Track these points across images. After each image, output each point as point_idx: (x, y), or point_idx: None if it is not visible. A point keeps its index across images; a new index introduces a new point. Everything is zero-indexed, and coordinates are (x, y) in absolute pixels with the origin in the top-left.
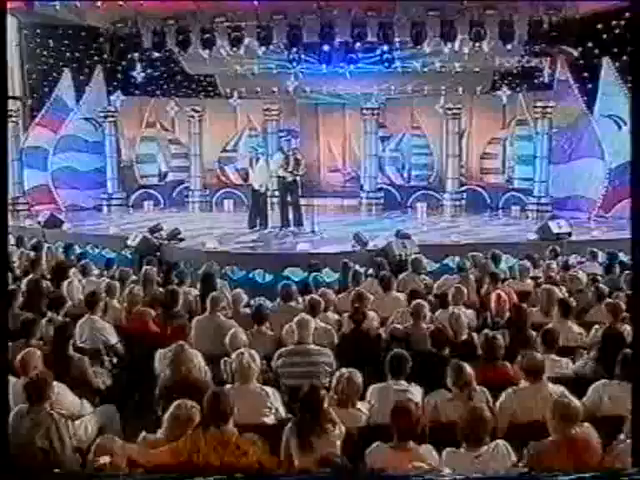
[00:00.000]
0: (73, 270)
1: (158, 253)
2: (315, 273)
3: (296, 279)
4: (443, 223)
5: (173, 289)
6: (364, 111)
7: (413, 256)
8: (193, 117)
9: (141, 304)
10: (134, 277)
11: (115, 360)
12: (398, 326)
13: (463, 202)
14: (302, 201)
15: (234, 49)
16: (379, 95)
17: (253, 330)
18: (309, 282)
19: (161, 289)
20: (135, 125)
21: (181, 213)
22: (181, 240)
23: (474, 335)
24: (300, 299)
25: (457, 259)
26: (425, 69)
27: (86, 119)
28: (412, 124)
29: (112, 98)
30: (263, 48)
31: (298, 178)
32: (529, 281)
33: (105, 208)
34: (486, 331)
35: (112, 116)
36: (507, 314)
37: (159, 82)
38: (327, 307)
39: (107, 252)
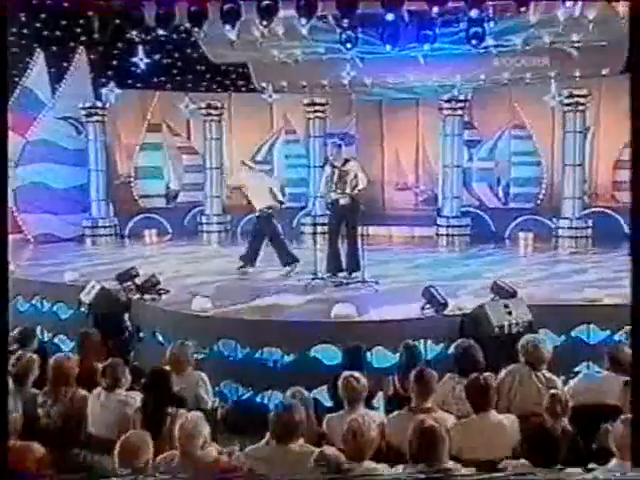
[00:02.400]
0: None
1: (127, 314)
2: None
3: (328, 362)
4: (563, 266)
5: None
6: (444, 107)
7: (522, 329)
8: (209, 116)
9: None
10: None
11: None
12: None
13: (589, 232)
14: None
15: (265, 23)
16: (464, 85)
17: None
18: (345, 372)
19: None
20: (134, 128)
21: (194, 246)
22: (160, 293)
23: None
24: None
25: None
26: (529, 46)
27: (64, 119)
28: (511, 122)
29: (104, 92)
30: (306, 25)
31: (354, 200)
32: None
33: (89, 240)
34: None
35: (99, 114)
36: None
37: (168, 71)
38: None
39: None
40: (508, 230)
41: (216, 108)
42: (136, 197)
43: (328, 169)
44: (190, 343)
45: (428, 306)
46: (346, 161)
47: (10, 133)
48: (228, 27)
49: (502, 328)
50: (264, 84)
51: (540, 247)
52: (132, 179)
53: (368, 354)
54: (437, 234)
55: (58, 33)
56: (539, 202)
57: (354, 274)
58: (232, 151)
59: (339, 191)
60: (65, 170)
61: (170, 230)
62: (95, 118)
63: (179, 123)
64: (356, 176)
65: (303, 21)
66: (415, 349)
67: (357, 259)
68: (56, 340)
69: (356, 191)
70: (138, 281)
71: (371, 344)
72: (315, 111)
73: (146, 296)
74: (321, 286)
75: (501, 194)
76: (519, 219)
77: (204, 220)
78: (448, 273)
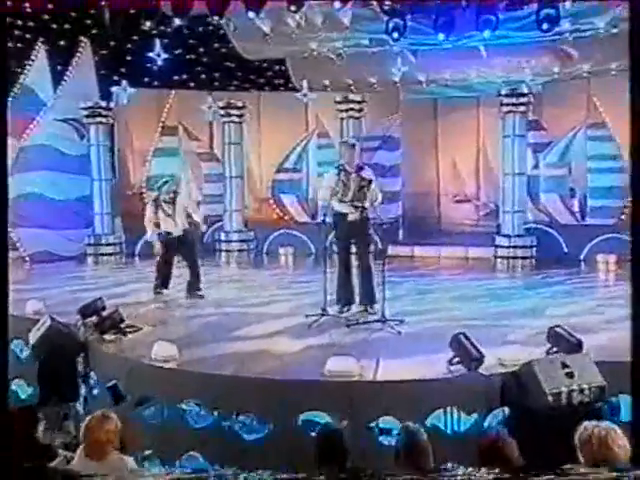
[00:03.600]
0: None
1: (80, 357)
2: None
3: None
4: None
5: None
6: (503, 103)
7: (589, 399)
8: (228, 117)
9: None
10: None
11: None
12: None
13: None
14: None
15: (294, 8)
16: (535, 80)
17: None
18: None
19: None
20: (149, 132)
21: (209, 267)
22: (125, 332)
23: None
24: None
25: None
26: (616, 29)
27: (64, 120)
28: (588, 121)
29: (115, 91)
30: (347, 13)
31: (365, 215)
32: None
33: (90, 259)
34: None
35: (103, 115)
36: None
37: (191, 68)
38: None
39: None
40: (584, 252)
41: (237, 108)
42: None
43: (335, 173)
44: (114, 416)
45: (457, 360)
46: (360, 168)
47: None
48: (252, 14)
49: (558, 397)
50: (304, 82)
51: (623, 274)
52: (144, 189)
53: (373, 425)
54: (495, 256)
55: (63, 25)
56: (622, 217)
57: (371, 309)
58: (260, 157)
59: (348, 203)
60: (66, 179)
61: None
62: (98, 119)
63: (199, 126)
64: (369, 186)
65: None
66: (416, 436)
67: (371, 289)
68: (13, 385)
69: (369, 204)
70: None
71: (376, 412)
72: (348, 110)
73: (107, 336)
74: (330, 325)
75: (576, 207)
76: (598, 239)
77: (222, 237)
78: (500, 308)
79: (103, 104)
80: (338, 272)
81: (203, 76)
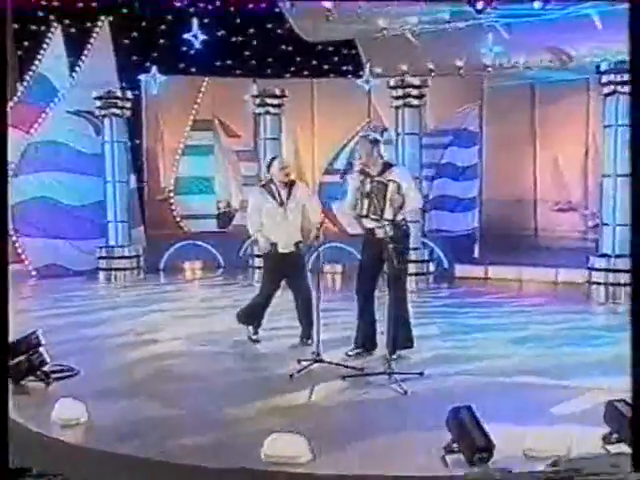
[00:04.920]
0: None
1: None
2: None
3: None
4: None
5: None
6: (609, 85)
7: None
8: (264, 107)
9: None
10: None
11: None
12: None
13: None
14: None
15: None
16: None
17: None
18: None
19: None
20: (180, 126)
21: (238, 287)
22: (47, 379)
23: None
24: None
25: None
26: None
27: (78, 113)
28: None
29: (143, 79)
30: None
31: (399, 230)
32: None
33: (102, 275)
34: None
35: (119, 107)
36: None
37: (235, 52)
38: None
39: None
40: None
41: (274, 97)
42: (177, 218)
43: (356, 179)
44: None
45: (455, 446)
46: (385, 167)
47: (16, 133)
48: None
49: None
50: (379, 69)
51: None
52: (172, 194)
53: None
54: (589, 281)
55: (84, 3)
56: None
57: (397, 354)
58: (314, 156)
59: (372, 215)
60: (80, 181)
61: (222, 263)
62: (111, 110)
63: (238, 120)
64: (399, 190)
65: None
66: None
67: (400, 330)
68: None
69: (401, 215)
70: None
71: None
72: (405, 96)
73: (25, 383)
74: (320, 375)
75: None
76: None
77: (256, 251)
78: (570, 356)
79: (118, 93)
80: (360, 304)
81: (252, 62)
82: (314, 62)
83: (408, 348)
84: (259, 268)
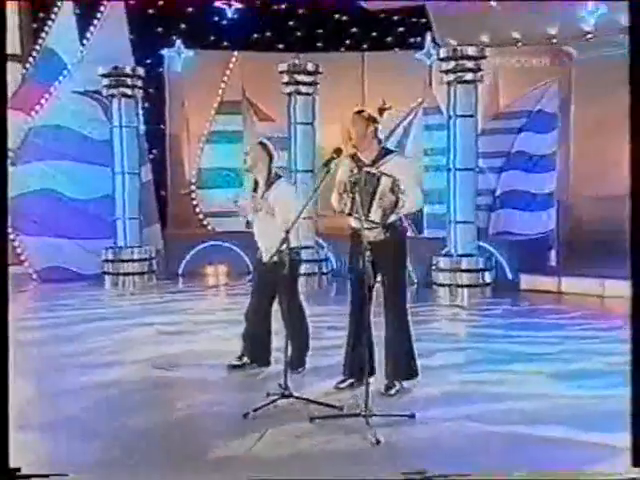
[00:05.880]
0: None
1: None
2: None
3: None
4: None
5: None
6: None
7: None
8: (294, 85)
9: None
10: None
11: None
12: None
13: None
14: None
15: None
16: None
17: None
18: None
19: None
20: (200, 108)
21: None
22: None
23: None
24: None
25: None
26: None
27: (85, 93)
28: None
29: (166, 54)
30: None
31: (392, 234)
32: None
33: (108, 279)
34: None
35: (128, 85)
36: None
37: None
38: None
39: None
40: None
41: (307, 73)
42: (200, 215)
43: (344, 166)
44: None
45: None
46: (381, 154)
47: (20, 116)
48: None
49: None
50: (453, 40)
51: None
52: (194, 187)
53: None
54: None
55: None
56: None
57: (394, 388)
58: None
59: (355, 214)
60: (87, 172)
61: (251, 267)
62: (121, 90)
63: (271, 102)
64: (395, 187)
65: None
66: None
67: (406, 356)
68: None
69: (394, 216)
70: None
71: None
72: (456, 70)
73: None
74: (283, 414)
75: None
76: None
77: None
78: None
79: (128, 69)
80: (351, 324)
81: (298, 33)
82: (373, 33)
83: (411, 379)
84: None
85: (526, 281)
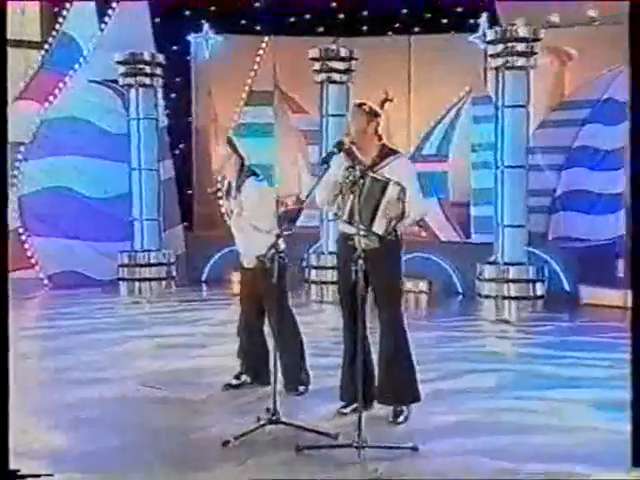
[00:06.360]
0: None
1: None
2: None
3: None
4: None
5: None
6: None
7: None
8: (328, 72)
9: None
10: None
11: None
12: None
13: None
14: None
15: None
16: None
17: None
18: None
19: None
20: (228, 99)
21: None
22: None
23: None
24: None
25: None
26: None
27: (102, 82)
28: None
29: (192, 41)
30: None
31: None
32: None
33: (123, 285)
34: None
35: (147, 74)
36: None
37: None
38: None
39: None
40: None
41: (340, 60)
42: (226, 216)
43: (341, 164)
44: None
45: None
46: (382, 154)
47: (33, 106)
48: None
49: None
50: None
51: None
52: (220, 185)
53: None
54: None
55: None
56: None
57: (403, 414)
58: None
59: (356, 223)
60: (105, 168)
61: None
62: (138, 79)
63: (305, 92)
64: (401, 196)
65: None
66: None
67: (405, 378)
68: None
69: (391, 227)
70: None
71: None
72: (507, 54)
73: None
74: (269, 442)
75: None
76: None
77: (312, 261)
78: None
79: (146, 56)
80: (344, 342)
81: (340, 15)
82: (427, 15)
83: (413, 403)
84: (317, 283)
85: (587, 294)
